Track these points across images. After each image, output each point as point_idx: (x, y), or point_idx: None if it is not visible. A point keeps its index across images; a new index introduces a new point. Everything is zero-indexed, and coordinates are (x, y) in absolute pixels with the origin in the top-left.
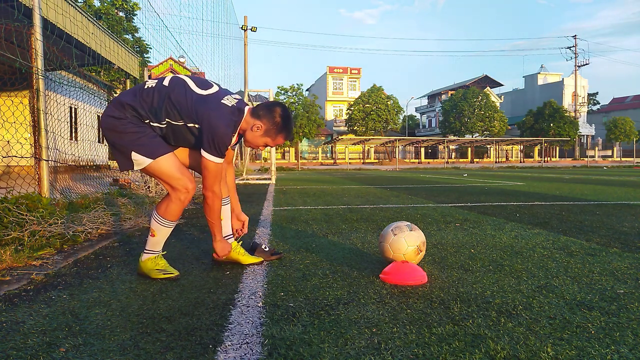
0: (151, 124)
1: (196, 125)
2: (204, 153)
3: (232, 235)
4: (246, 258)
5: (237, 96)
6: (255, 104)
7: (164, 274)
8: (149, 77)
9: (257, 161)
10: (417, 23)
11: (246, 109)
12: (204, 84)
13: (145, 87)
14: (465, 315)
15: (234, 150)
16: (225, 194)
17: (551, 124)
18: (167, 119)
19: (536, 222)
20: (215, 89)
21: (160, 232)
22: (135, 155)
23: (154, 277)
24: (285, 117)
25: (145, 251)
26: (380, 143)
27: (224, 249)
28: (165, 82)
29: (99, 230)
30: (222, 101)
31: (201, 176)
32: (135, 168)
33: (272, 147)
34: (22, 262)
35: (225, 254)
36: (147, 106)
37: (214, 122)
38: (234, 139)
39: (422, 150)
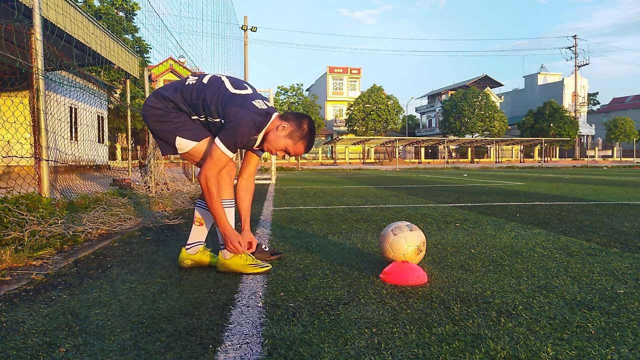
0: (191, 117)
1: (222, 121)
2: (216, 140)
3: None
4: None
5: (269, 103)
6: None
7: (260, 267)
8: (149, 78)
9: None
10: (417, 23)
11: (275, 114)
12: (240, 85)
13: (186, 83)
14: (465, 315)
15: (259, 156)
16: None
17: (551, 124)
18: (204, 113)
19: (536, 222)
20: (249, 91)
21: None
22: (179, 140)
23: (249, 272)
24: (312, 129)
25: (224, 247)
26: (380, 143)
27: (228, 238)
28: (205, 80)
29: (99, 230)
30: (252, 102)
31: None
32: (178, 152)
33: (290, 155)
34: (22, 262)
35: (229, 245)
36: (187, 101)
37: (239, 117)
38: (258, 140)
39: (422, 150)
